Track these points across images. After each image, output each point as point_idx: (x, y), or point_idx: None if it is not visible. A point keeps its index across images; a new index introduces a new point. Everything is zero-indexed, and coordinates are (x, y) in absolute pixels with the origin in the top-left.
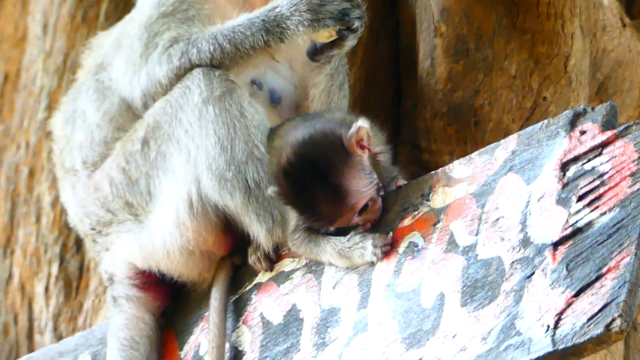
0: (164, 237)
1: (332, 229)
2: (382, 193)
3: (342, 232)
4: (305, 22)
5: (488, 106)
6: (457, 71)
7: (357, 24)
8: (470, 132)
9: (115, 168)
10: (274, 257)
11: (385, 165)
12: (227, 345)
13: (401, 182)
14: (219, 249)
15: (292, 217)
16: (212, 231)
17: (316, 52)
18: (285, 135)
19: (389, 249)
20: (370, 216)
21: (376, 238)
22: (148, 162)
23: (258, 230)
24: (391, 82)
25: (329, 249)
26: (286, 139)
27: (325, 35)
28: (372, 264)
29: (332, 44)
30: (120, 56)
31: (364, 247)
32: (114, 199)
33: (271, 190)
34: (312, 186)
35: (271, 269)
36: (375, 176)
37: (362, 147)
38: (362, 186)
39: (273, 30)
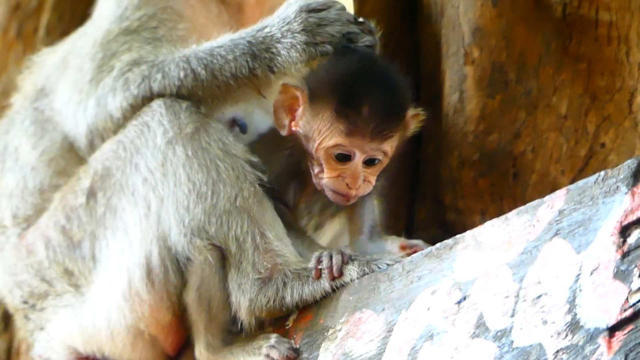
0: (109, 313)
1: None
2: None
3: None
4: (298, 46)
5: (531, 153)
6: (493, 108)
7: None
8: (508, 186)
9: (52, 226)
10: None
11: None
12: None
13: (406, 243)
14: (167, 339)
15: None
16: (169, 309)
17: None
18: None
19: None
20: (373, 170)
21: (279, 342)
22: (94, 220)
23: (239, 299)
24: None
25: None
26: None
27: None
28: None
29: None
30: (66, 80)
31: (262, 345)
32: (50, 265)
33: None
34: (378, 76)
35: None
36: None
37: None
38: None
39: (261, 56)
